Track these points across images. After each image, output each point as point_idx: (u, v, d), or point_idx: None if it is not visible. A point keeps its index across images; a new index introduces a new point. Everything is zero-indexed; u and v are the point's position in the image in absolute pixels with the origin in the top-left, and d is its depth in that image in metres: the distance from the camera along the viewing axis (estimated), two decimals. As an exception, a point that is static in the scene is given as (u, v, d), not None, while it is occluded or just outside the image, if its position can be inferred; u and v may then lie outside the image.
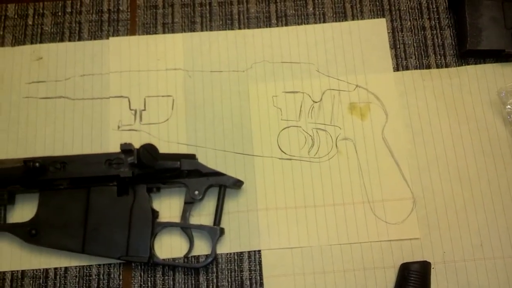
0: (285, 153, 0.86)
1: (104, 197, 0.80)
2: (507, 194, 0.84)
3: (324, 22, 0.94)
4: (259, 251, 0.81)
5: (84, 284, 0.80)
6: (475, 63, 0.91)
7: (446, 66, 0.91)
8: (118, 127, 0.87)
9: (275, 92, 0.89)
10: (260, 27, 0.94)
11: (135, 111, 0.88)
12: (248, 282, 0.80)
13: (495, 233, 0.82)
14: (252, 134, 0.87)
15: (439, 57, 0.92)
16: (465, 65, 0.91)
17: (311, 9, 0.95)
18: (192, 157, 0.82)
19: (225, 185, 0.81)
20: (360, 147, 0.86)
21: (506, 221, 0.82)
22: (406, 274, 0.78)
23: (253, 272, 0.80)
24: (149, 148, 0.76)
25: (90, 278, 0.80)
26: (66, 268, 0.81)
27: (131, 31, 0.93)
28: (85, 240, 0.78)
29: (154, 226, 0.80)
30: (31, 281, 0.80)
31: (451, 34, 0.93)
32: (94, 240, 0.78)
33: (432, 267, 0.80)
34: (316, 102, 0.89)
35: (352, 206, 0.83)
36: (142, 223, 0.79)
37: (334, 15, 0.94)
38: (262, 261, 0.81)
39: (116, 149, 0.82)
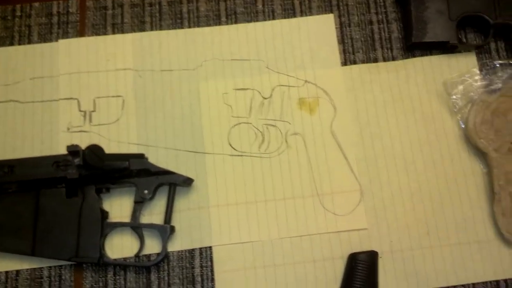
0: (235, 150, 0.87)
1: (54, 200, 0.80)
2: (452, 183, 0.86)
3: (273, 19, 0.95)
4: (210, 247, 0.82)
5: (36, 287, 0.80)
6: (421, 56, 0.93)
7: (393, 59, 0.93)
8: (68, 129, 0.87)
9: (226, 89, 0.90)
10: (210, 25, 0.95)
11: (85, 112, 0.88)
12: (199, 278, 0.81)
13: (441, 222, 0.84)
14: (203, 132, 0.88)
15: (386, 50, 0.93)
16: (411, 57, 0.93)
17: (260, 6, 0.95)
18: (141, 156, 0.82)
19: (175, 184, 0.82)
20: (309, 142, 0.87)
21: (452, 209, 0.84)
22: (354, 264, 0.79)
23: (204, 268, 0.81)
24: (94, 149, 0.77)
25: (42, 280, 0.81)
26: (17, 271, 0.81)
27: (81, 33, 0.94)
28: (36, 242, 0.79)
29: (104, 226, 0.80)
30: (-18, 286, 0.80)
31: (398, 27, 0.95)
32: (45, 243, 0.78)
33: (379, 257, 0.81)
34: (266, 99, 0.90)
35: (302, 200, 0.85)
36: (91, 224, 0.79)
37: (283, 12, 0.95)
38: (213, 257, 0.82)
39: (66, 151, 0.82)
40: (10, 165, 0.79)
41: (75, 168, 0.79)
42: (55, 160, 0.79)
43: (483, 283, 0.81)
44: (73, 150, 0.78)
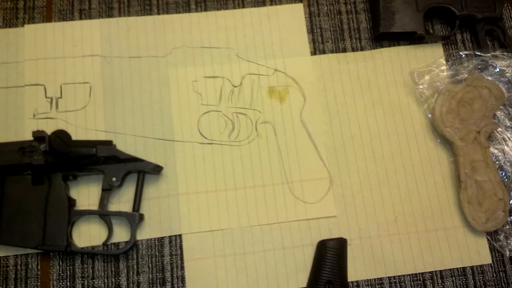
0: (205, 138, 0.87)
1: (19, 187, 0.78)
2: (419, 172, 0.87)
3: (243, 7, 0.95)
4: (180, 235, 0.82)
5: (1, 275, 0.79)
6: (389, 46, 0.93)
7: (362, 49, 0.94)
8: (34, 115, 0.86)
9: (195, 77, 0.90)
10: (180, 12, 0.94)
11: (51, 98, 0.87)
12: (169, 267, 0.80)
13: (408, 209, 0.85)
14: (172, 120, 0.87)
15: (354, 40, 0.94)
16: (379, 48, 0.93)
17: (232, -6, 0.95)
18: (108, 143, 0.81)
19: (144, 171, 0.81)
20: (279, 130, 0.88)
21: (419, 197, 0.85)
22: (323, 251, 0.80)
23: (174, 257, 0.81)
24: (61, 135, 0.75)
25: (8, 269, 0.79)
26: (-19, 260, 0.79)
27: (47, 18, 0.92)
28: (1, 230, 0.77)
29: (71, 214, 0.79)
30: None
31: (366, 18, 0.96)
32: (10, 230, 0.77)
33: (348, 244, 0.82)
34: (236, 87, 0.89)
35: (272, 188, 0.85)
36: (58, 211, 0.78)
37: (253, 1, 0.95)
38: (183, 245, 0.81)
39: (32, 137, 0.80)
40: (-26, 151, 0.77)
41: (41, 155, 0.77)
42: (20, 146, 0.78)
43: (450, 270, 0.82)
44: (39, 136, 0.76)
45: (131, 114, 0.87)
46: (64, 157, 0.77)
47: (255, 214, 0.83)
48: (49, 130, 0.79)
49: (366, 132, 0.88)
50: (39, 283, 0.78)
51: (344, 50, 0.93)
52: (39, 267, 0.79)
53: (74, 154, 0.77)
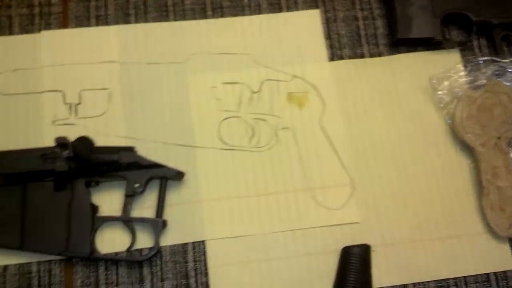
0: (226, 144, 0.86)
1: (41, 193, 0.78)
2: (440, 178, 0.87)
3: (259, 13, 0.94)
4: (203, 241, 0.81)
5: (24, 282, 0.78)
6: (407, 52, 0.94)
7: (379, 55, 0.94)
8: (53, 121, 0.85)
9: (214, 83, 0.90)
10: (196, 18, 0.93)
11: (70, 105, 0.86)
12: (193, 273, 0.80)
13: (431, 215, 0.85)
14: (193, 126, 0.87)
15: (372, 46, 0.94)
16: (397, 53, 0.93)
17: (246, 0, 0.95)
18: (130, 149, 0.81)
19: (166, 177, 0.81)
20: (299, 136, 0.87)
21: (441, 203, 0.85)
22: (348, 258, 0.80)
23: (197, 263, 0.80)
24: (84, 141, 0.75)
25: (30, 275, 0.78)
26: (5, 266, 0.78)
27: (64, 24, 0.92)
28: (24, 237, 0.76)
29: (94, 221, 0.78)
30: (-32, 282, 0.77)
31: (383, 23, 0.96)
32: (33, 237, 0.76)
33: (372, 250, 0.81)
34: (255, 93, 0.89)
35: (294, 194, 0.84)
36: (81, 218, 0.77)
37: (269, 7, 0.95)
38: (206, 251, 0.80)
39: (52, 144, 0.80)
40: (-5, 158, 0.76)
41: (63, 161, 0.76)
42: (42, 153, 0.77)
43: (473, 276, 0.82)
44: (62, 142, 0.76)
45: (151, 120, 0.86)
46: (87, 163, 0.76)
47: (277, 221, 0.83)
48: (68, 136, 0.78)
49: (386, 138, 0.88)
50: (62, 290, 0.77)
51: (362, 56, 0.93)
52: (62, 273, 0.78)
53: (97, 160, 0.77)
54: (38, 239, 0.76)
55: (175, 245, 0.81)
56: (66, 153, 0.76)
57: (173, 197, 0.83)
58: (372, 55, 0.94)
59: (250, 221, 0.83)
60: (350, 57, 0.93)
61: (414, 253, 0.83)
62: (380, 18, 0.96)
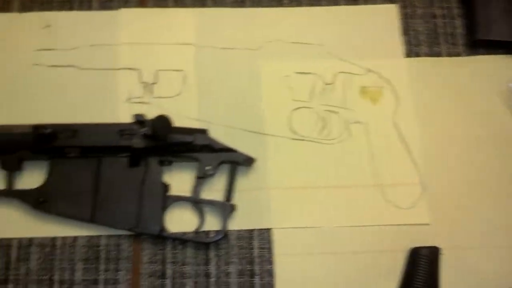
0: (296, 133, 0.86)
1: (115, 168, 0.78)
2: (514, 183, 0.84)
3: (336, 5, 0.93)
4: (269, 229, 0.81)
5: (93, 255, 0.79)
6: (485, 54, 0.92)
7: (456, 55, 0.92)
8: (128, 99, 0.85)
9: (287, 72, 0.89)
10: (272, 6, 0.93)
11: (146, 84, 0.87)
12: (257, 260, 0.79)
13: (503, 221, 0.82)
14: (264, 113, 0.86)
15: (449, 45, 0.93)
16: (475, 55, 0.91)
17: (324, -9, 0.94)
18: (204, 132, 0.81)
19: (237, 162, 0.81)
20: (371, 131, 0.86)
21: (515, 210, 0.83)
22: (416, 259, 0.78)
23: (263, 250, 0.80)
24: (163, 120, 0.75)
25: (99, 248, 0.79)
26: (74, 237, 0.79)
27: (142, 3, 0.92)
28: (95, 210, 0.77)
29: (166, 199, 0.78)
30: (38, 249, 0.79)
31: (462, 23, 0.94)
32: (104, 211, 0.77)
33: (440, 253, 0.80)
34: (328, 84, 0.88)
35: (363, 189, 0.83)
36: (153, 195, 0.78)
37: (346, -2, 0.94)
38: (272, 240, 0.80)
39: (126, 121, 0.81)
40: (73, 130, 0.77)
41: (140, 138, 0.77)
42: (120, 128, 0.78)
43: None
44: (140, 120, 0.76)
45: (223, 105, 0.86)
46: (163, 142, 0.76)
47: (345, 215, 0.82)
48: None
49: (460, 139, 0.87)
50: (130, 265, 0.78)
51: (439, 55, 0.92)
52: (130, 249, 0.79)
53: (172, 140, 0.77)
54: (109, 213, 0.77)
55: (241, 230, 0.81)
56: (143, 130, 0.76)
57: (242, 182, 0.82)
58: (449, 55, 0.92)
59: (317, 213, 0.82)
60: (426, 55, 0.91)
61: (483, 259, 0.81)
62: (458, 18, 0.94)
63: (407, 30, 0.93)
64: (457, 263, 0.80)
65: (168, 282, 0.78)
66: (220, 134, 0.83)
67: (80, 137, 0.77)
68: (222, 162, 0.81)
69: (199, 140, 0.79)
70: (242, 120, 0.86)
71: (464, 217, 0.82)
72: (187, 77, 0.88)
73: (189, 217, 0.80)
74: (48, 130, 0.75)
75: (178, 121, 0.82)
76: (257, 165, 0.83)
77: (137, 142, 0.77)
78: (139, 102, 0.86)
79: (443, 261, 0.79)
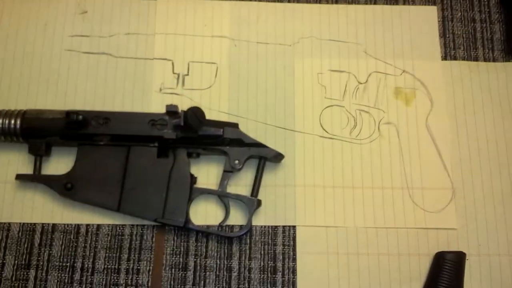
0: (326, 132, 0.85)
1: (144, 157, 0.78)
2: (546, 192, 0.83)
3: (374, 3, 0.92)
4: (294, 226, 0.80)
5: (116, 243, 0.79)
6: (524, 61, 0.90)
7: (494, 61, 0.90)
8: (160, 89, 0.86)
9: (321, 69, 0.88)
10: (310, 2, 0.92)
11: (178, 75, 0.87)
12: (281, 256, 0.79)
13: (532, 231, 0.81)
14: (295, 110, 0.86)
15: (487, 50, 0.91)
16: (512, 61, 0.90)
17: (363, -11, 0.93)
18: (235, 126, 0.80)
19: (265, 157, 0.80)
20: (402, 133, 0.85)
21: (545, 220, 0.81)
22: (441, 263, 0.77)
23: (286, 247, 0.80)
24: (196, 112, 0.75)
25: (123, 237, 0.79)
26: (98, 225, 0.80)
27: (175, -6, 0.92)
28: (122, 199, 0.77)
29: (192, 191, 0.78)
30: (62, 235, 0.79)
31: (501, 29, 0.92)
32: (131, 200, 0.77)
33: (466, 259, 0.78)
34: (361, 84, 0.87)
35: (391, 191, 0.82)
36: (180, 187, 0.78)
37: (385, -2, 0.93)
38: (296, 237, 0.80)
39: (157, 110, 0.81)
40: (105, 117, 0.78)
41: (171, 129, 0.77)
42: (151, 118, 0.78)
43: None
44: (172, 110, 0.76)
45: (254, 100, 0.86)
46: (193, 134, 0.76)
47: (371, 216, 0.81)
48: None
49: (493, 145, 0.85)
50: (152, 255, 0.78)
51: (476, 59, 0.90)
52: (154, 239, 0.79)
53: (202, 132, 0.77)
54: (136, 203, 0.77)
55: (265, 226, 0.80)
56: (175, 121, 0.76)
57: (269, 178, 0.82)
58: (486, 60, 0.90)
59: (343, 213, 0.81)
60: (463, 59, 0.90)
61: (510, 267, 0.79)
62: (498, 23, 0.93)
63: (445, 33, 0.91)
64: (482, 270, 0.79)
65: (189, 274, 0.78)
66: (249, 129, 0.84)
67: (111, 125, 0.78)
68: (250, 157, 0.80)
69: (228, 134, 0.78)
70: (272, 116, 0.85)
71: (492, 224, 0.81)
72: (220, 70, 0.87)
73: (214, 210, 0.80)
74: (80, 117, 0.75)
75: (208, 114, 0.82)
76: (284, 161, 0.83)
77: (168, 133, 0.77)
78: (171, 93, 0.86)
79: (468, 266, 0.78)
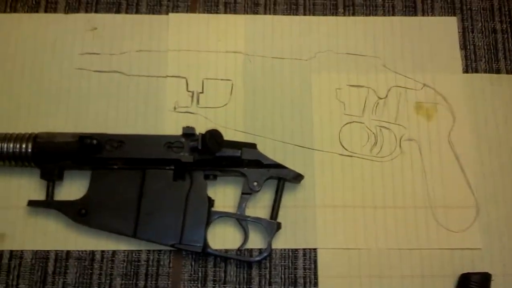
0: (346, 149, 0.83)
1: (160, 181, 0.76)
2: None
3: (393, 15, 0.90)
4: (315, 249, 0.78)
5: (132, 270, 0.77)
6: (548, 72, 0.87)
7: (517, 73, 0.87)
8: (175, 108, 0.83)
9: (339, 84, 0.86)
10: (326, 15, 0.90)
11: (193, 93, 0.84)
12: (302, 281, 0.77)
13: (560, 251, 0.78)
14: (313, 127, 0.83)
15: (509, 62, 0.88)
16: (536, 73, 0.87)
17: (380, 0, 0.90)
18: (253, 146, 0.78)
19: (284, 178, 0.78)
20: (425, 149, 0.83)
21: None
22: (466, 285, 0.75)
23: (307, 271, 0.77)
24: (214, 134, 0.73)
25: (139, 264, 0.77)
26: (114, 251, 0.77)
27: (192, 9, 0.90)
28: (138, 224, 0.75)
29: (210, 214, 0.76)
30: (76, 263, 0.77)
31: (522, 39, 0.89)
32: (147, 225, 0.75)
33: (492, 279, 0.76)
34: (381, 99, 0.85)
35: (414, 210, 0.80)
36: (198, 210, 0.76)
37: (404, 9, 0.91)
38: (317, 260, 0.77)
39: (172, 130, 0.80)
40: (119, 140, 0.76)
41: (188, 151, 0.74)
42: (167, 141, 0.76)
43: None
44: (189, 133, 0.74)
45: (271, 117, 0.84)
46: (210, 156, 0.74)
47: (394, 237, 0.79)
48: (189, 125, 0.78)
49: (518, 161, 0.82)
50: (169, 282, 0.76)
51: (498, 71, 0.88)
52: (171, 265, 0.77)
53: (220, 154, 0.75)
54: (152, 228, 0.75)
55: (285, 249, 0.78)
56: (192, 144, 0.74)
57: (288, 199, 0.80)
58: (508, 72, 0.88)
59: (365, 234, 0.79)
60: (485, 71, 0.88)
61: (537, 289, 0.77)
62: (519, 33, 0.90)
63: (466, 45, 0.89)
64: (508, 291, 0.76)
65: (209, 300, 0.76)
66: (266, 147, 0.81)
67: (126, 148, 0.75)
68: (269, 178, 0.78)
69: (247, 155, 0.76)
70: (290, 134, 0.83)
71: (518, 243, 0.78)
72: (235, 87, 0.85)
73: (232, 233, 0.78)
74: (94, 141, 0.73)
75: (224, 133, 0.80)
76: (304, 181, 0.80)
77: (186, 156, 0.75)
78: (185, 112, 0.83)
79: (493, 287, 0.76)
